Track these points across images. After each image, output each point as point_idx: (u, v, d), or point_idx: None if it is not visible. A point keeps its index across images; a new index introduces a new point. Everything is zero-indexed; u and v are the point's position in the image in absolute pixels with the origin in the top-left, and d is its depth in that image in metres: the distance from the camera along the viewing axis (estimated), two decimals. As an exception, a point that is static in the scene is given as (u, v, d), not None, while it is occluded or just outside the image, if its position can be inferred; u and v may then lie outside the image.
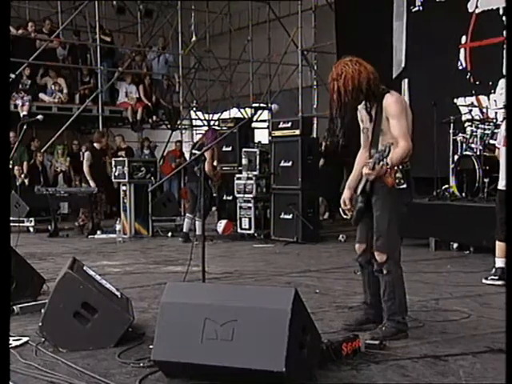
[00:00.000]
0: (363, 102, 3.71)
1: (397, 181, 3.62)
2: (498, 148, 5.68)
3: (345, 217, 3.94)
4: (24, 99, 11.66)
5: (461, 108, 8.65)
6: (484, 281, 5.50)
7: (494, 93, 8.63)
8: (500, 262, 5.45)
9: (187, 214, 9.09)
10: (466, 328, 4.00)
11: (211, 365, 2.87)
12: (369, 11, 10.22)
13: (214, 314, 2.93)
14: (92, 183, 9.81)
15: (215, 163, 9.04)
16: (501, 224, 5.32)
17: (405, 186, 3.63)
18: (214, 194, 8.98)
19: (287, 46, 14.70)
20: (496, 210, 5.50)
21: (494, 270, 5.50)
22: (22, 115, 11.28)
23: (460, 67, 9.18)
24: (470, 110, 8.34)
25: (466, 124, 7.93)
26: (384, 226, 3.66)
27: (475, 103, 8.68)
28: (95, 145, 10.15)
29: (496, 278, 5.44)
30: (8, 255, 3.36)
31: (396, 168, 3.59)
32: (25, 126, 4.94)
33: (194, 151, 9.00)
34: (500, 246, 5.45)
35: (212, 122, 16.92)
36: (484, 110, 8.50)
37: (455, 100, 8.91)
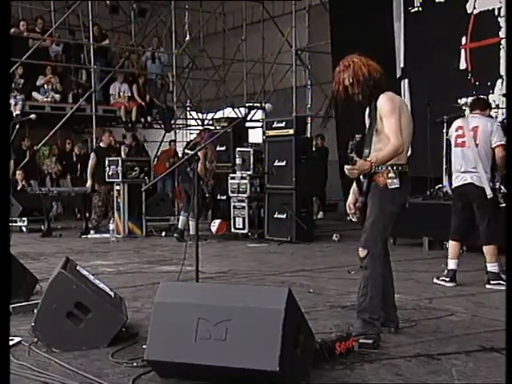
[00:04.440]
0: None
1: (389, 180, 3.63)
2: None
3: (354, 220, 3.93)
4: (17, 98, 11.61)
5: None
6: (435, 280, 5.52)
7: (493, 93, 8.67)
8: (452, 264, 5.46)
9: (182, 212, 9.10)
10: (458, 327, 4.01)
11: (204, 364, 2.87)
12: (364, 11, 10.22)
13: (208, 313, 2.92)
14: (89, 183, 9.78)
15: (208, 164, 9.04)
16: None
17: (397, 185, 3.62)
18: (207, 195, 8.97)
19: (281, 46, 14.71)
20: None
21: (446, 271, 5.51)
22: (14, 114, 11.23)
23: (461, 68, 9.22)
24: (464, 110, 8.36)
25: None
26: (369, 223, 3.69)
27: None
28: (101, 144, 10.15)
29: (447, 279, 5.45)
30: (8, 256, 3.34)
31: (389, 168, 3.61)
32: (17, 126, 4.93)
33: (186, 151, 9.00)
34: (454, 246, 5.48)
35: (206, 122, 16.93)
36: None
37: (459, 100, 8.93)
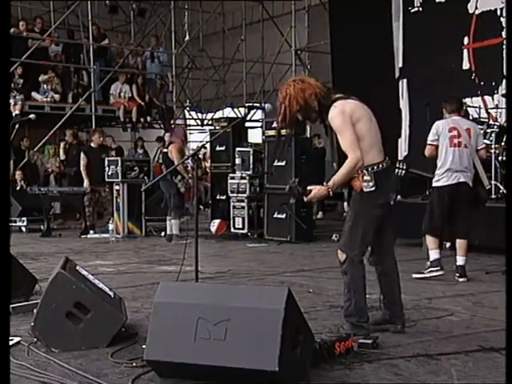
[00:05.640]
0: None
1: (364, 183, 3.58)
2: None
3: None
4: (16, 98, 11.61)
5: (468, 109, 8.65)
6: (415, 275, 5.61)
7: (498, 93, 8.68)
8: (436, 254, 5.58)
9: (168, 217, 9.06)
10: (458, 327, 4.01)
11: (204, 364, 2.87)
12: (364, 11, 10.22)
13: (207, 313, 2.92)
14: (86, 182, 9.78)
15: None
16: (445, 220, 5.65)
17: (373, 188, 3.57)
18: (182, 190, 8.94)
19: (281, 46, 14.73)
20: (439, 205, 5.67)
21: (429, 263, 5.62)
22: (14, 114, 11.22)
23: (464, 68, 9.22)
24: (466, 109, 8.36)
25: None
26: (347, 227, 3.70)
27: (481, 104, 8.73)
28: (91, 144, 10.13)
29: (435, 269, 5.56)
30: (8, 256, 3.34)
31: (364, 171, 3.56)
32: (16, 126, 4.92)
33: (164, 150, 9.17)
34: (434, 240, 5.63)
35: (205, 122, 16.95)
36: (482, 111, 8.51)
37: (463, 100, 8.93)
